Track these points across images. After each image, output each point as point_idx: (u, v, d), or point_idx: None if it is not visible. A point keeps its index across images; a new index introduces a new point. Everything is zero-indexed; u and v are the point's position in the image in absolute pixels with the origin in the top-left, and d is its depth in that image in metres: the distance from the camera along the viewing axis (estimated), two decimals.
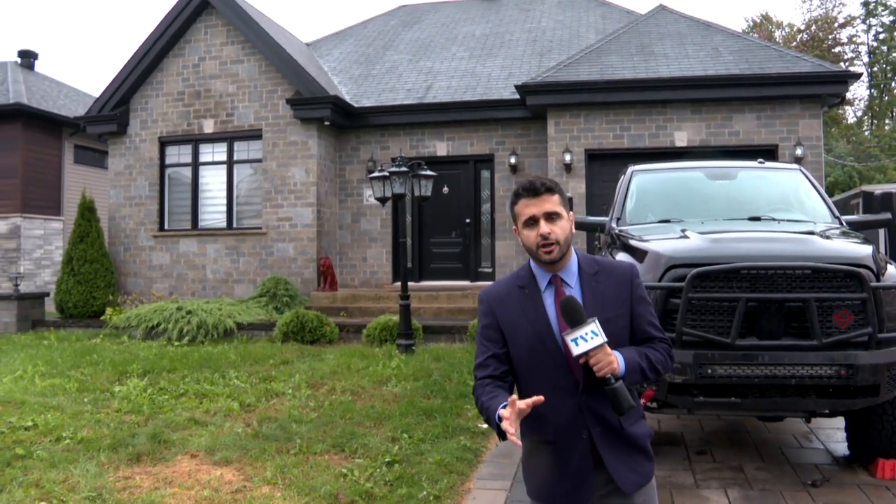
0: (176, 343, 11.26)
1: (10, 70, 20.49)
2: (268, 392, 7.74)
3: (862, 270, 4.46)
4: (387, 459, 5.55)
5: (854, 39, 39.61)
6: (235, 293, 14.49)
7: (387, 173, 9.81)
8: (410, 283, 13.65)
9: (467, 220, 14.95)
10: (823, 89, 12.01)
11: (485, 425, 6.58)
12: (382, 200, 10.12)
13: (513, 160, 14.24)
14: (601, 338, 2.28)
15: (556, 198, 2.46)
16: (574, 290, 2.49)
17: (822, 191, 6.28)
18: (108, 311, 13.36)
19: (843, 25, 39.01)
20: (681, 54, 13.33)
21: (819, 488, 4.91)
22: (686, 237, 4.93)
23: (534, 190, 2.46)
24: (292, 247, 14.39)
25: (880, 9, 38.14)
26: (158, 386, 8.05)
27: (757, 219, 5.69)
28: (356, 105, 14.90)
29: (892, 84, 39.49)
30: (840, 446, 5.85)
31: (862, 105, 40.99)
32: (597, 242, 7.81)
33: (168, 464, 5.53)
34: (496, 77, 15.42)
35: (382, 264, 15.03)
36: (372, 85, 15.93)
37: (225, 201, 15.05)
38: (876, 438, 5.10)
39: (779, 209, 5.99)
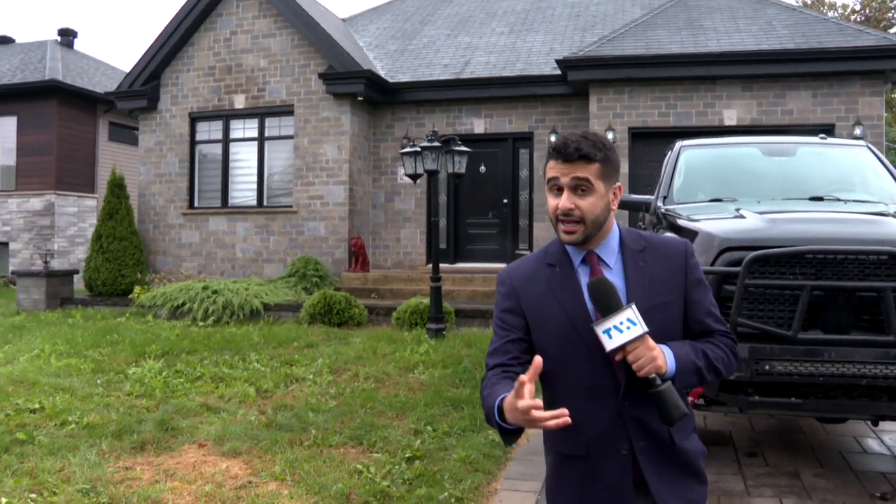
0: (200, 323, 10.95)
1: (49, 48, 20.38)
2: (287, 377, 7.35)
3: None
4: (407, 455, 5.12)
5: (886, 36, 37.93)
6: (265, 273, 14.16)
7: (419, 149, 9.32)
8: (445, 265, 13.26)
9: (504, 201, 14.43)
10: (887, 64, 11.22)
11: None
12: (414, 177, 9.64)
13: (553, 138, 13.65)
14: (640, 327, 1.86)
15: (593, 167, 1.99)
16: (614, 271, 2.06)
17: (893, 169, 5.65)
18: (137, 289, 13.11)
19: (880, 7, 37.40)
20: (731, 28, 12.62)
21: (890, 502, 4.35)
22: (742, 217, 4.36)
23: (564, 153, 1.99)
24: (323, 226, 14.01)
25: None
26: (175, 368, 7.72)
27: (819, 199, 5.11)
28: (391, 80, 14.42)
29: None
30: None
31: None
32: (641, 223, 7.24)
33: (173, 454, 5.15)
34: (536, 52, 14.83)
35: (416, 245, 14.59)
36: (408, 60, 15.45)
37: (255, 179, 14.70)
38: None
39: (843, 189, 5.39)
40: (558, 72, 13.06)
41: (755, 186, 5.38)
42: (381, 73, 14.53)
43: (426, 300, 10.32)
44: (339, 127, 13.99)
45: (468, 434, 5.70)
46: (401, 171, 14.28)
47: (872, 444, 5.50)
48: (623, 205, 6.22)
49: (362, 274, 13.44)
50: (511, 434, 1.91)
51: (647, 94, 12.34)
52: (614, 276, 2.03)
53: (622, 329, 1.86)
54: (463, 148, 9.61)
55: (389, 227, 14.73)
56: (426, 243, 14.49)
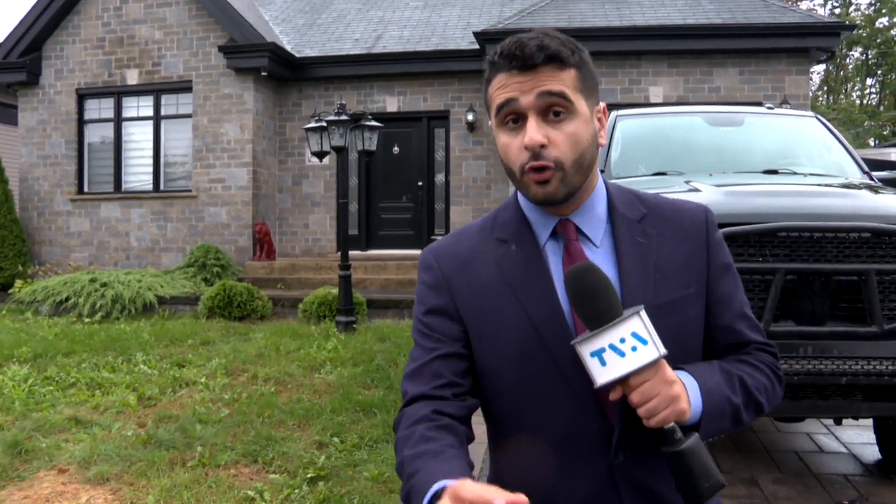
0: (87, 320, 9.88)
1: None
2: (176, 381, 6.46)
3: None
4: (310, 474, 4.37)
5: (811, 14, 39.01)
6: (162, 263, 13.08)
7: (324, 123, 8.49)
8: (356, 252, 12.51)
9: (419, 183, 13.73)
10: (813, 42, 10.99)
11: None
12: (320, 155, 8.82)
13: (470, 117, 13.02)
14: (653, 348, 1.18)
15: (568, 74, 1.29)
16: (602, 251, 1.38)
17: (845, 142, 5.19)
18: (18, 283, 11.83)
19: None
20: (657, 2, 12.22)
21: None
22: (697, 190, 3.74)
23: (522, 55, 1.28)
24: (225, 211, 13.01)
25: None
26: (45, 374, 6.72)
27: (774, 172, 4.60)
28: (298, 55, 13.50)
29: (847, 59, 38.94)
30: (868, 450, 4.84)
31: (817, 80, 40.49)
32: None
33: (22, 484, 4.26)
34: (452, 27, 14.13)
35: (326, 231, 13.74)
36: (317, 34, 14.53)
37: (151, 161, 13.56)
38: None
39: (796, 162, 4.89)
40: (476, 46, 12.41)
41: (702, 158, 4.80)
42: (288, 48, 13.57)
43: (335, 290, 9.53)
44: (241, 105, 13.00)
45: (381, 445, 4.99)
46: (308, 152, 13.38)
47: (829, 442, 5.05)
48: None
49: (268, 263, 12.53)
50: None
51: None
52: (602, 260, 1.34)
53: (623, 350, 1.18)
54: (373, 123, 8.84)
55: (297, 213, 13.84)
56: (336, 229, 13.66)
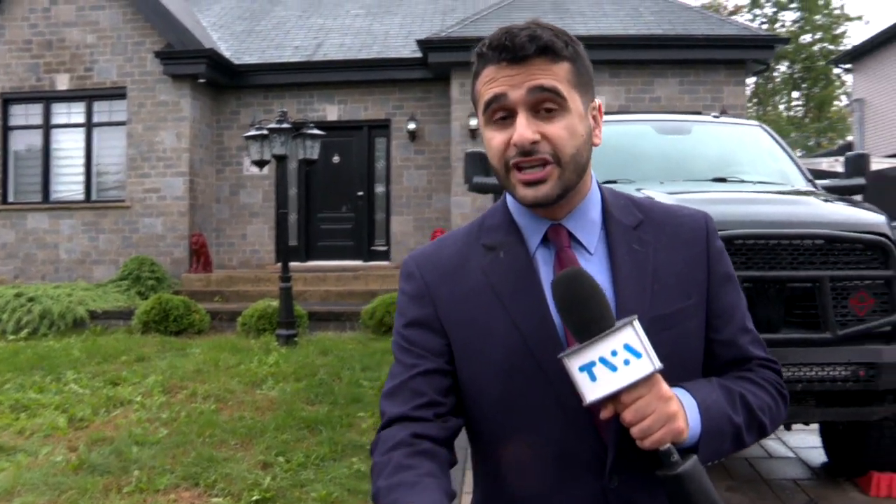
0: (11, 337, 9.43)
1: None
2: (110, 400, 6.17)
3: (885, 241, 3.47)
4: (255, 497, 4.21)
5: (747, 27, 40.17)
6: (94, 276, 12.60)
7: (266, 131, 8.28)
8: (296, 264, 12.26)
9: (360, 193, 13.56)
10: (749, 54, 11.29)
11: None
12: (261, 164, 8.60)
13: (411, 126, 12.93)
14: (647, 362, 1.09)
15: (562, 67, 1.20)
16: (596, 259, 1.28)
17: (790, 150, 5.27)
18: None
19: (732, 13, 39.39)
20: (598, 13, 12.36)
21: None
22: (649, 199, 3.72)
23: (512, 46, 1.18)
24: (160, 222, 12.62)
25: None
26: None
27: (723, 180, 4.63)
28: (237, 62, 13.21)
29: (775, 73, 40.18)
30: (814, 454, 4.93)
31: (748, 92, 41.64)
32: None
33: None
34: (394, 35, 14.04)
35: (265, 242, 13.45)
36: (256, 41, 14.27)
37: (83, 170, 13.08)
38: (873, 448, 4.17)
39: (744, 170, 4.93)
40: (418, 55, 12.36)
41: (651, 166, 4.79)
42: (226, 55, 13.28)
43: (275, 303, 9.30)
44: (178, 112, 12.65)
45: (328, 464, 4.84)
46: (247, 161, 13.09)
47: (777, 447, 5.12)
48: (493, 189, 5.56)
49: (205, 275, 12.20)
50: None
51: None
52: (596, 269, 1.24)
53: (615, 364, 1.08)
54: (316, 131, 8.67)
55: (235, 223, 13.52)
56: (275, 240, 13.41)
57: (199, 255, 12.34)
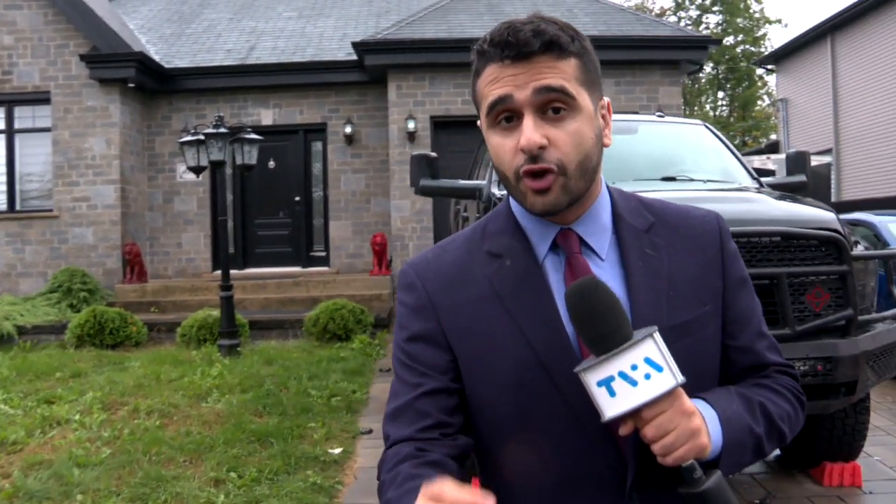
0: None
1: None
2: (46, 420, 5.88)
3: (839, 237, 3.56)
4: None
5: (682, 28, 41.14)
6: (21, 289, 12.06)
7: (202, 136, 8.05)
8: (234, 272, 11.94)
9: (297, 199, 13.38)
10: (683, 55, 11.50)
11: (338, 449, 5.20)
12: (197, 171, 8.36)
13: (348, 129, 12.78)
14: (669, 375, 1.03)
15: (568, 64, 1.13)
16: (608, 265, 1.22)
17: (734, 149, 5.36)
18: None
19: (659, 16, 40.30)
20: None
21: None
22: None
23: (516, 42, 1.12)
24: (91, 232, 12.17)
25: (688, 2, 39.92)
26: None
27: (672, 179, 4.67)
28: (167, 66, 12.85)
29: (700, 74, 41.30)
30: None
31: None
32: (464, 212, 6.53)
33: None
34: (329, 38, 13.87)
35: (200, 250, 13.12)
36: (186, 45, 13.92)
37: (5, 179, 12.49)
38: (825, 440, 4.31)
39: (692, 169, 4.97)
40: (354, 57, 12.22)
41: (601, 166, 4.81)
42: (156, 58, 12.90)
43: (215, 312, 9.06)
44: (106, 118, 12.22)
45: (282, 478, 4.71)
46: (180, 167, 12.76)
47: None
48: (448, 192, 5.50)
49: (140, 285, 11.82)
50: None
51: (450, 81, 11.76)
52: (609, 275, 1.19)
53: (635, 379, 1.02)
54: (253, 136, 8.46)
55: (169, 232, 13.15)
56: (212, 248, 13.09)
57: (133, 265, 11.95)
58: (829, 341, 3.58)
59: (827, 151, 19.08)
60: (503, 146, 1.14)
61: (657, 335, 1.04)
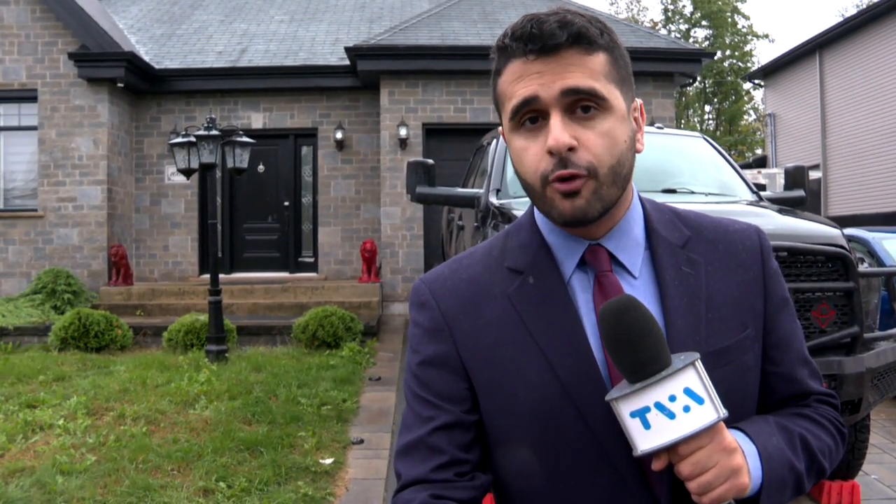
0: None
1: None
2: (28, 425, 5.73)
3: (845, 253, 3.53)
4: None
5: (675, 41, 41.52)
6: (3, 290, 11.85)
7: (193, 138, 7.93)
8: (221, 276, 11.80)
9: (286, 203, 13.26)
10: (677, 67, 11.47)
11: (329, 459, 5.10)
12: (187, 173, 8.24)
13: (339, 135, 12.68)
14: (710, 408, 0.95)
15: (597, 59, 1.05)
16: (641, 283, 1.12)
17: (733, 162, 5.32)
18: None
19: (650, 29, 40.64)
20: None
21: None
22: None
23: (538, 35, 1.02)
24: (77, 233, 11.99)
25: (677, 17, 40.27)
26: None
27: (672, 191, 4.61)
28: (157, 66, 12.70)
29: (688, 87, 41.57)
30: None
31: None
32: (458, 221, 6.45)
33: None
34: (321, 42, 13.77)
35: (187, 253, 12.96)
36: (177, 46, 13.77)
37: None
38: None
39: (692, 181, 4.93)
40: (346, 62, 12.12)
41: None
42: (146, 58, 12.74)
43: (202, 317, 8.92)
44: (94, 118, 12.06)
45: (273, 488, 4.61)
46: (169, 169, 12.62)
47: None
48: (437, 199, 5.42)
49: (125, 288, 11.65)
50: None
51: (443, 88, 11.67)
52: (643, 295, 1.08)
53: (673, 411, 0.94)
54: (245, 139, 8.35)
55: (156, 234, 12.98)
56: (199, 252, 12.94)
57: (119, 268, 11.78)
58: (834, 359, 3.55)
59: (815, 167, 19.16)
60: (527, 150, 1.05)
61: (699, 364, 0.96)
